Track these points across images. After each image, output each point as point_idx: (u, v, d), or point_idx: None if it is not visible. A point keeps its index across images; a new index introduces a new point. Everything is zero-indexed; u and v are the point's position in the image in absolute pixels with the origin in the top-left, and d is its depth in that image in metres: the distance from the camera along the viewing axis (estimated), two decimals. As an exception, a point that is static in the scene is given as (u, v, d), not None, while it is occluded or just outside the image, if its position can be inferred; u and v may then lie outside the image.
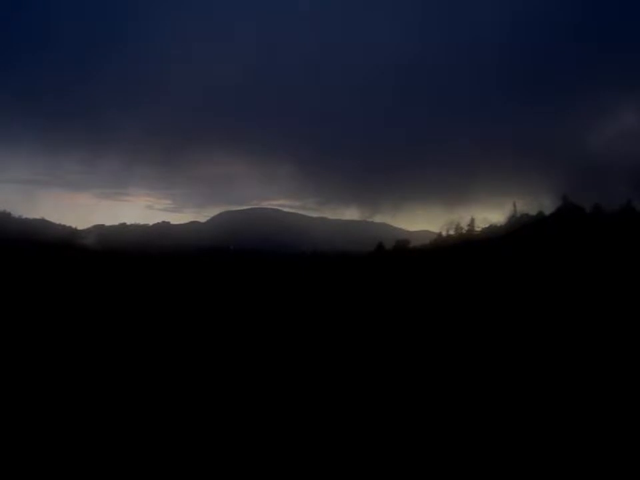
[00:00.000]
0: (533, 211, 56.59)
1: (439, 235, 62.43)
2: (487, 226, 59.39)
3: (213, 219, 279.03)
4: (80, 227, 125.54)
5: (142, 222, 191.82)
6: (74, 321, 20.36)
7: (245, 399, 11.00)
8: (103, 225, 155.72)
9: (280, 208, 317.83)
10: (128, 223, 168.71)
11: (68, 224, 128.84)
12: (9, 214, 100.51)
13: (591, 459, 8.08)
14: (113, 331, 18.57)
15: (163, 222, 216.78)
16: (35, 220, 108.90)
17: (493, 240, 50.50)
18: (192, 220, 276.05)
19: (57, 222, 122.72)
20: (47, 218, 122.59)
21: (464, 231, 57.84)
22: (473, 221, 58.56)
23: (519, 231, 51.12)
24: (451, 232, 59.79)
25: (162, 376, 12.74)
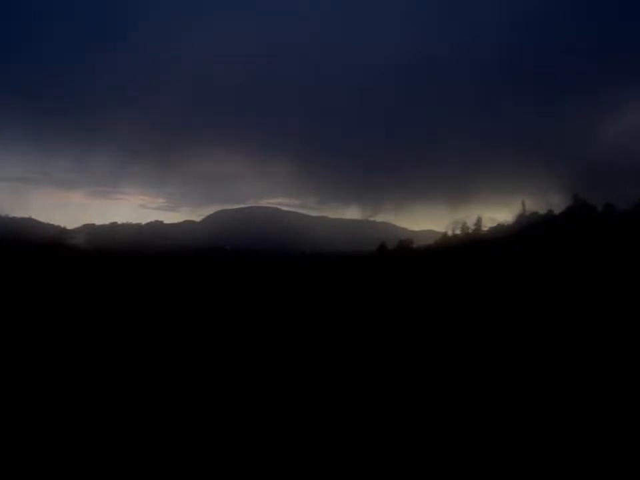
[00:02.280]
0: (542, 210, 55.69)
1: (444, 234, 61.62)
2: (494, 225, 58.59)
3: (208, 217, 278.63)
4: (69, 227, 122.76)
5: (134, 221, 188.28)
6: (63, 323, 19.28)
7: (244, 402, 10.62)
8: (93, 225, 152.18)
9: (279, 207, 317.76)
10: (119, 222, 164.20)
11: (57, 223, 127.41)
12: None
13: (590, 459, 7.96)
14: (104, 334, 17.57)
15: (156, 221, 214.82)
16: (22, 219, 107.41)
17: (501, 239, 49.35)
18: (186, 219, 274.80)
19: (46, 221, 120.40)
20: (35, 217, 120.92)
21: (470, 231, 56.77)
22: (479, 220, 57.52)
23: (528, 230, 49.92)
24: (457, 231, 59.01)
25: (157, 380, 12.11)
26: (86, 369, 12.86)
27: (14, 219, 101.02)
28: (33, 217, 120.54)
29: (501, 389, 11.67)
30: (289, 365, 14.17)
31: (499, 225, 58.28)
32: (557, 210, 53.71)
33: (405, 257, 53.90)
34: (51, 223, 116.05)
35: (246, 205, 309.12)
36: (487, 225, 58.75)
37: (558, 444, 8.48)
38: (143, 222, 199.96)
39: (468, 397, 11.11)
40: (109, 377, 12.17)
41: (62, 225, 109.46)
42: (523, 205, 59.18)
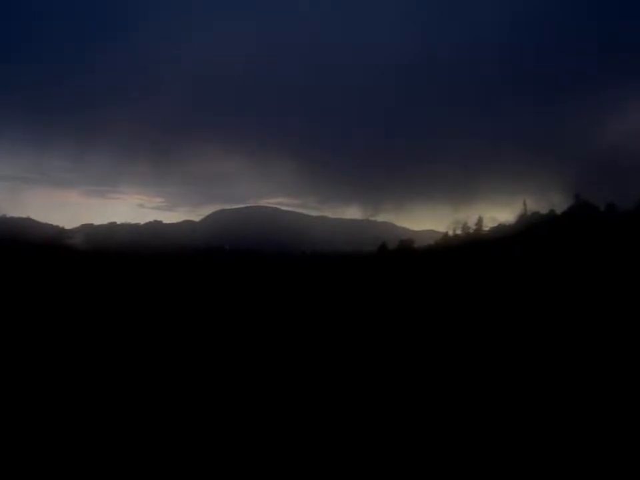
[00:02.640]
0: (544, 210, 55.38)
1: (445, 234, 61.55)
2: (495, 225, 58.33)
3: (207, 217, 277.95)
4: (67, 226, 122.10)
5: (133, 221, 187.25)
6: (61, 323, 19.26)
7: (244, 403, 10.60)
8: (91, 224, 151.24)
9: (278, 206, 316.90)
10: (118, 222, 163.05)
11: (55, 223, 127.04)
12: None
13: (591, 459, 7.93)
14: (103, 334, 17.54)
15: (155, 221, 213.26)
16: (20, 219, 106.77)
17: (502, 239, 49.17)
18: (185, 219, 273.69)
19: (44, 221, 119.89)
20: (33, 217, 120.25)
21: (471, 231, 56.56)
22: (480, 219, 57.28)
23: (529, 230, 49.68)
24: (458, 231, 58.79)
25: (157, 380, 12.09)
26: (85, 369, 12.80)
27: (12, 219, 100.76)
28: (31, 216, 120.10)
29: (501, 388, 11.64)
30: (289, 365, 14.13)
31: (500, 224, 58.03)
32: (559, 210, 53.56)
33: (406, 257, 53.78)
34: (49, 222, 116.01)
35: (245, 205, 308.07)
36: (488, 225, 58.55)
37: (558, 443, 8.43)
38: (142, 222, 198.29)
39: (469, 396, 11.09)
40: (107, 377, 12.11)
41: (60, 225, 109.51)
42: (525, 204, 58.84)
